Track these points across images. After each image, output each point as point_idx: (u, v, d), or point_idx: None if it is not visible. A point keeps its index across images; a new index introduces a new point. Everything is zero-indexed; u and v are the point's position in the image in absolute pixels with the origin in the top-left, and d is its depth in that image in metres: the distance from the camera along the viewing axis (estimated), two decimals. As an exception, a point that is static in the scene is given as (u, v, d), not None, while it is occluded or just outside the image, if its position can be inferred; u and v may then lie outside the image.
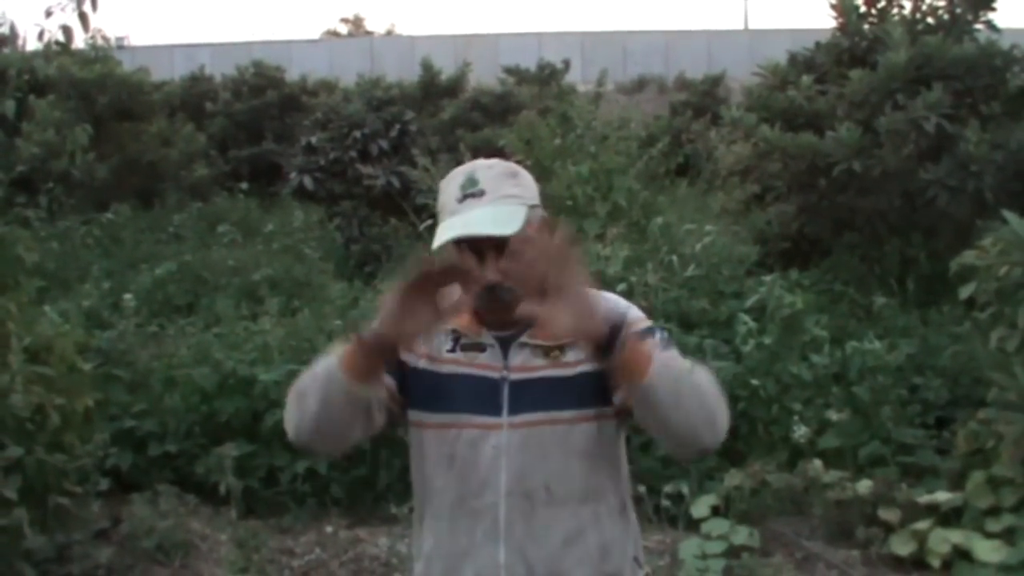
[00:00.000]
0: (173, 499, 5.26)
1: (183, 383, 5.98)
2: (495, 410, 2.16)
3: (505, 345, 2.18)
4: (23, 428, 4.20)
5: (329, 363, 2.09)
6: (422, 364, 2.21)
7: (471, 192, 2.10)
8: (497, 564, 2.15)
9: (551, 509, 2.15)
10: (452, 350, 2.20)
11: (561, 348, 2.15)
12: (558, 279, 1.93)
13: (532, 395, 2.14)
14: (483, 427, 2.16)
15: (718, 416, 2.06)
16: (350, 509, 5.56)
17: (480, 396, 2.17)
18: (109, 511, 5.17)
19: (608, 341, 1.99)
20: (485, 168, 2.16)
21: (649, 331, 2.14)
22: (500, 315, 2.13)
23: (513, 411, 2.15)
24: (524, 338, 2.16)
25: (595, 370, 2.11)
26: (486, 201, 2.09)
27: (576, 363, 2.15)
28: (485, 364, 2.18)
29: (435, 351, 2.21)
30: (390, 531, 5.14)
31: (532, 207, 2.14)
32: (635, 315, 2.19)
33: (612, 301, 2.20)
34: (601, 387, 2.14)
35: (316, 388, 2.11)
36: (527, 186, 2.17)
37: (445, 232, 2.07)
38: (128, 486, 5.55)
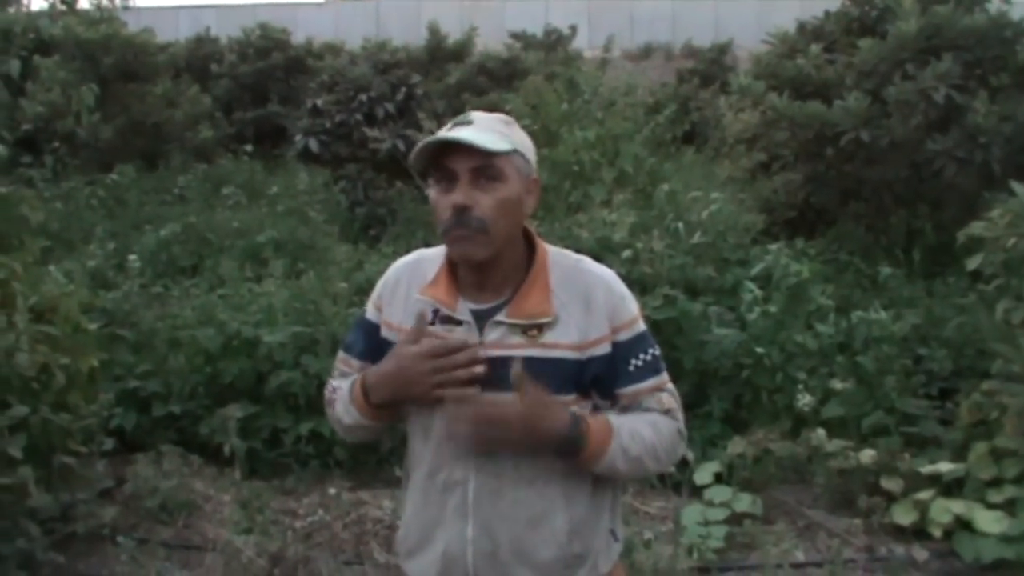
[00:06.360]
0: (177, 459, 5.29)
1: (187, 344, 5.99)
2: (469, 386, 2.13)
3: (481, 321, 2.14)
4: (28, 387, 4.21)
5: (348, 400, 2.26)
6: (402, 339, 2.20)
7: (460, 121, 2.10)
8: (465, 539, 2.15)
9: (519, 488, 2.13)
10: (431, 323, 2.17)
11: (539, 328, 2.11)
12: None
13: (506, 374, 2.08)
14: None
15: (672, 460, 2.25)
16: (353, 471, 5.57)
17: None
18: (113, 471, 5.18)
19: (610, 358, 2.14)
20: (480, 112, 2.18)
21: (639, 348, 2.18)
22: (465, 248, 2.10)
23: (486, 388, 2.10)
24: (500, 316, 2.13)
25: (573, 357, 2.11)
26: (473, 128, 2.07)
27: (554, 345, 2.11)
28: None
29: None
30: (393, 493, 5.14)
31: (520, 153, 2.12)
32: (626, 317, 2.19)
33: (610, 293, 2.19)
34: (578, 374, 2.12)
35: (342, 418, 2.30)
36: (519, 137, 2.15)
37: (425, 140, 2.07)
38: (132, 446, 5.58)
